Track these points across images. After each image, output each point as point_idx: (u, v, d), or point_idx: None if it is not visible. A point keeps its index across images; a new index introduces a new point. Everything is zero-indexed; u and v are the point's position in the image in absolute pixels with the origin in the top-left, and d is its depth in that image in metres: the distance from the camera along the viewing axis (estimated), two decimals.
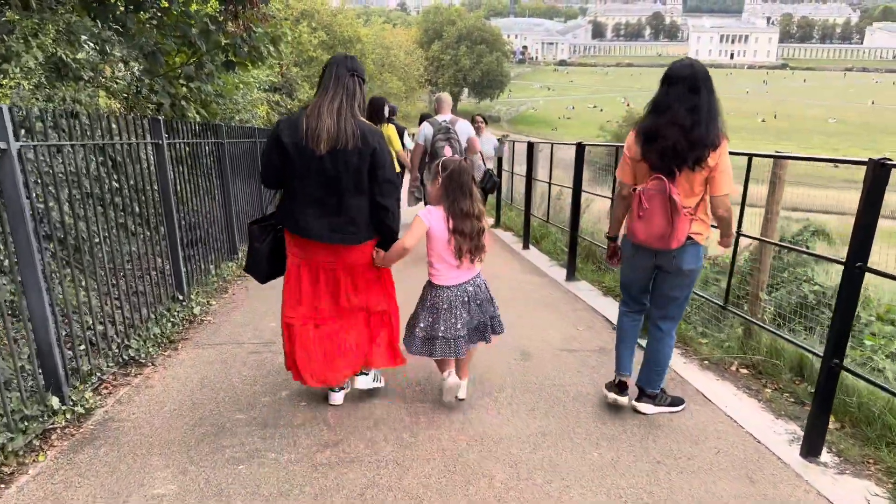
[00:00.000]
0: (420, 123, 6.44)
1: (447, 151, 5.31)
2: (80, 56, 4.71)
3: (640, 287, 2.91)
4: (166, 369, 3.35)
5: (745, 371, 3.52)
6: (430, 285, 2.82)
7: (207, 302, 4.52)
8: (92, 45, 4.84)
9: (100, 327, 3.18)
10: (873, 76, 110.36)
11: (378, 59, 33.26)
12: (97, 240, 3.20)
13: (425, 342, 2.79)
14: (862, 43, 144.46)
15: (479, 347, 2.99)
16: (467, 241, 2.69)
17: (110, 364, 3.20)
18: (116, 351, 3.29)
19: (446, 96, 6.07)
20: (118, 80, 5.13)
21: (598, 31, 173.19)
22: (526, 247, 7.13)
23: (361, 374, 2.98)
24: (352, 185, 2.62)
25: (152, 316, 3.75)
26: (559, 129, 68.39)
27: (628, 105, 68.80)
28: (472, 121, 6.91)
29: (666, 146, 2.53)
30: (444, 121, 5.56)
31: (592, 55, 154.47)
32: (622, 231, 2.90)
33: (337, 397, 2.95)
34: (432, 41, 69.51)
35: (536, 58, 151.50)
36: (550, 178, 6.92)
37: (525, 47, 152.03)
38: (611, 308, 4.69)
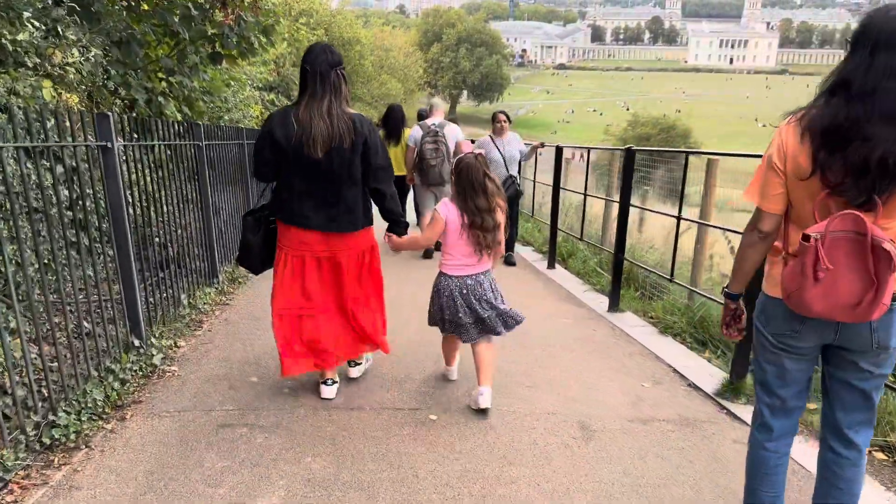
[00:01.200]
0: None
1: (430, 149, 5.67)
2: (21, 37, 3.81)
3: (800, 384, 1.79)
4: (104, 455, 2.45)
5: (881, 456, 2.64)
6: (439, 273, 2.88)
7: (174, 344, 3.61)
8: (38, 24, 3.95)
9: (13, 392, 2.28)
10: None
11: (377, 60, 32.38)
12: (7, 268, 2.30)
13: (438, 320, 2.90)
14: None
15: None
16: (487, 236, 2.69)
17: (22, 454, 2.29)
18: (34, 433, 2.38)
19: (439, 101, 6.34)
20: (75, 69, 4.23)
21: (596, 35, 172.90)
22: (551, 266, 6.23)
23: (353, 364, 3.11)
24: (346, 176, 2.68)
25: (94, 374, 2.85)
26: (559, 132, 67.75)
27: (628, 109, 68.17)
28: (495, 119, 5.99)
29: (868, 157, 1.46)
30: (434, 124, 5.84)
31: (591, 59, 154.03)
32: (770, 289, 1.74)
33: (328, 391, 2.92)
34: (431, 43, 68.94)
35: (535, 61, 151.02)
36: (586, 189, 6.04)
37: (524, 50, 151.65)
38: (671, 350, 3.81)
